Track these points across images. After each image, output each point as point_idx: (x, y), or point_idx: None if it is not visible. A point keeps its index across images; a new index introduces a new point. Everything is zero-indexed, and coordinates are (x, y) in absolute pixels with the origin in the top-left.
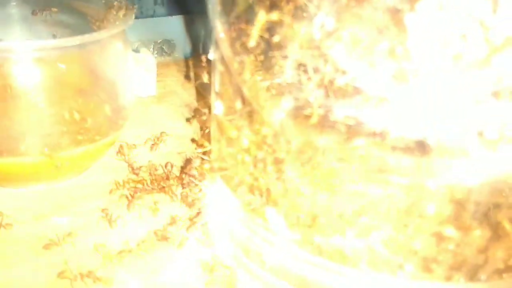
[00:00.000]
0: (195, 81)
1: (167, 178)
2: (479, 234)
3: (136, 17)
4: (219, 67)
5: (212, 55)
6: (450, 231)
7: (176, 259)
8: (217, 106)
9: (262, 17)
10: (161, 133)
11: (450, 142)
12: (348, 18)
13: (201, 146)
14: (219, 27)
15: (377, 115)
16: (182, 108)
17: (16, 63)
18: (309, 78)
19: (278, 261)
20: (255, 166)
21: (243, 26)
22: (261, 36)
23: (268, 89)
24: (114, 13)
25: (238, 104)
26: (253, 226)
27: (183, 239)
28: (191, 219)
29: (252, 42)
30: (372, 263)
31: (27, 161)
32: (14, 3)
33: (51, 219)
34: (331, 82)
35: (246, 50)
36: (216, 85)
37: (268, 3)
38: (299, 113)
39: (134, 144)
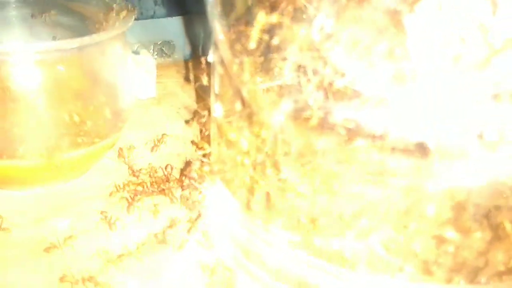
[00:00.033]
0: (195, 82)
1: (167, 181)
2: (479, 236)
3: (136, 18)
4: (218, 69)
5: (211, 57)
6: (450, 233)
7: (176, 261)
8: (217, 108)
9: (261, 18)
10: (163, 134)
11: (449, 143)
12: (347, 20)
13: (201, 148)
14: (218, 29)
15: (377, 117)
16: (182, 110)
17: (15, 65)
18: (308, 80)
19: (278, 262)
20: (254, 168)
21: (242, 28)
22: (261, 38)
23: (267, 91)
24: (114, 15)
25: (238, 106)
26: (253, 228)
27: (183, 241)
28: (191, 221)
29: (252, 44)
30: (371, 265)
31: (26, 164)
32: (14, 5)
33: (51, 221)
34: (331, 84)
35: (246, 52)
36: (215, 87)
37: (267, 4)
38: (299, 115)
39: (132, 145)
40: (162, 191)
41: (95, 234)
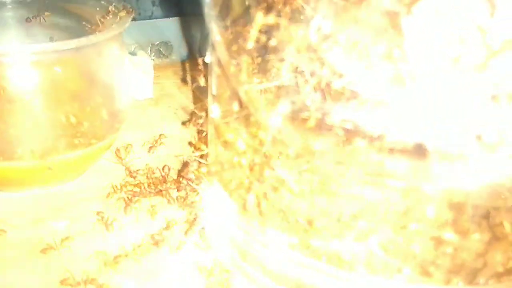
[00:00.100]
0: (192, 83)
1: (164, 181)
2: (478, 238)
3: (133, 19)
4: (215, 70)
5: (208, 58)
6: (448, 234)
7: (173, 262)
8: (214, 109)
9: (260, 18)
10: (160, 135)
11: (448, 145)
12: (344, 21)
13: (198, 149)
14: (215, 30)
15: (375, 118)
16: (179, 111)
17: (11, 66)
18: (306, 81)
19: (275, 264)
20: (251, 169)
21: (239, 29)
22: (258, 39)
23: (265, 92)
24: (111, 16)
25: (235, 107)
26: (250, 229)
27: (180, 243)
28: (188, 223)
29: (250, 44)
30: (370, 266)
31: (23, 165)
32: (10, 6)
33: (48, 223)
34: (328, 85)
35: (243, 53)
36: (213, 88)
37: (264, 6)
38: (296, 116)
39: (130, 144)
40: (159, 192)
41: (92, 235)
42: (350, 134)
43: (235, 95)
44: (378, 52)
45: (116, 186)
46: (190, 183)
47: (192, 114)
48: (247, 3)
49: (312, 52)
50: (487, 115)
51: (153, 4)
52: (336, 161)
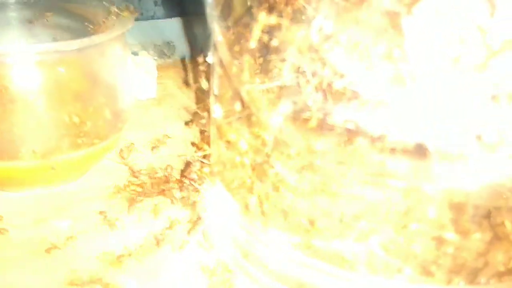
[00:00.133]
0: (195, 83)
1: (167, 181)
2: (479, 237)
3: (136, 19)
4: (217, 70)
5: (211, 58)
6: (449, 234)
7: (176, 262)
8: (216, 109)
9: (262, 18)
10: (163, 135)
11: (448, 145)
12: (346, 22)
13: (201, 149)
14: (217, 31)
15: (376, 118)
16: (181, 111)
17: (15, 66)
18: (307, 81)
19: (278, 264)
20: (254, 169)
21: (241, 29)
22: (260, 39)
23: (266, 92)
24: (114, 17)
25: (237, 107)
26: (253, 229)
27: (183, 243)
28: (191, 222)
29: (253, 44)
30: (371, 266)
31: (26, 165)
32: (13, 7)
33: (51, 222)
34: (330, 85)
35: (245, 53)
36: (215, 88)
37: (266, 6)
38: (298, 116)
39: (133, 143)
40: (162, 192)
41: (95, 235)
42: (351, 134)
43: (237, 95)
44: (379, 53)
45: (119, 186)
46: (192, 183)
47: (195, 114)
48: (249, 3)
49: (313, 52)
50: (487, 115)
51: (155, 4)
52: (337, 161)
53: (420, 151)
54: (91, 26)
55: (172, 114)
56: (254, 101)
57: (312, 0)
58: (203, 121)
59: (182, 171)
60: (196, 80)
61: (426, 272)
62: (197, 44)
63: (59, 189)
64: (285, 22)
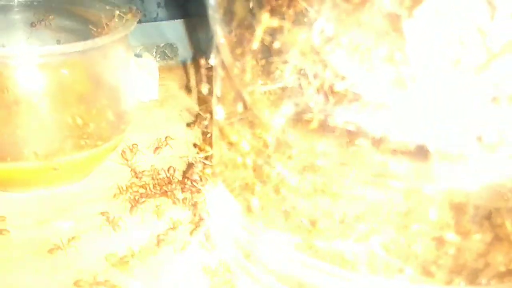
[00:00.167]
0: (197, 85)
1: (170, 183)
2: (479, 238)
3: (139, 21)
4: (220, 72)
5: (213, 60)
6: (450, 235)
7: (178, 263)
8: (218, 111)
9: (265, 19)
10: (166, 137)
11: (449, 146)
12: (347, 24)
13: (203, 150)
14: (219, 33)
15: (377, 119)
16: (184, 112)
17: (19, 68)
18: (309, 83)
19: (279, 264)
20: (256, 170)
21: (243, 31)
22: (263, 41)
23: (268, 94)
24: (116, 20)
25: (239, 109)
26: (254, 230)
27: (185, 243)
28: (193, 223)
29: (255, 45)
30: (372, 266)
31: (30, 166)
32: (18, 9)
33: (54, 223)
34: (331, 87)
35: (247, 55)
36: (217, 90)
37: (268, 8)
38: (300, 118)
39: (136, 144)
40: (165, 193)
41: (98, 236)
42: (352, 135)
43: (239, 97)
44: (380, 55)
45: (122, 187)
46: (194, 184)
47: (197, 115)
48: (251, 5)
49: (315, 54)
50: (487, 116)
51: (158, 6)
52: (338, 162)
53: (421, 152)
54: (95, 28)
55: (174, 115)
56: (256, 102)
57: (314, 2)
58: (205, 122)
59: (184, 172)
60: (198, 82)
61: (427, 272)
62: (200, 46)
63: (62, 190)
64: (287, 24)
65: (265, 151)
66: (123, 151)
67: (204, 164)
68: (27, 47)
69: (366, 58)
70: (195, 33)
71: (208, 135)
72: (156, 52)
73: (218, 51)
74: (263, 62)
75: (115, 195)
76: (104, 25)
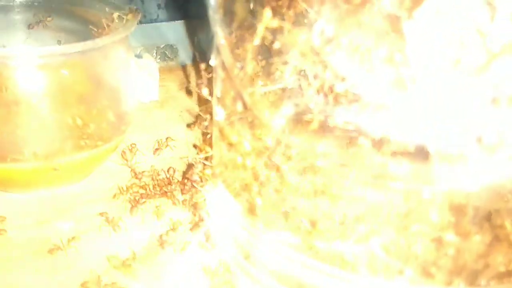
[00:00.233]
0: (197, 86)
1: (170, 183)
2: (479, 239)
3: (139, 22)
4: (220, 73)
5: (213, 61)
6: (450, 236)
7: (178, 263)
8: (219, 111)
9: (267, 15)
10: (167, 138)
11: (449, 147)
12: (347, 25)
13: (203, 151)
14: (220, 34)
15: (377, 121)
16: (184, 113)
17: (19, 69)
18: (309, 84)
19: (279, 265)
20: (256, 171)
21: (243, 32)
22: (263, 40)
23: (268, 95)
24: (116, 20)
25: (239, 110)
26: (254, 231)
27: (185, 244)
28: (193, 224)
29: (256, 41)
30: (372, 267)
31: (30, 167)
32: (18, 10)
33: (54, 224)
34: (331, 88)
35: (247, 56)
36: (217, 91)
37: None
38: (300, 119)
39: (135, 144)
40: (165, 194)
41: (98, 236)
42: (353, 136)
43: (240, 98)
44: (380, 56)
45: (122, 188)
46: (194, 184)
47: (197, 116)
48: (251, 6)
49: (315, 55)
50: (487, 117)
51: (159, 7)
52: (339, 163)
53: (421, 153)
54: (95, 29)
55: (174, 116)
56: (256, 103)
57: (314, 3)
58: (206, 123)
59: (184, 173)
60: (198, 83)
61: (427, 273)
62: (200, 47)
63: (62, 191)
64: (287, 25)
65: (265, 151)
66: (123, 152)
67: (204, 164)
68: (27, 48)
69: (366, 59)
70: (195, 34)
71: (208, 136)
72: (156, 53)
73: (218, 52)
74: (263, 63)
75: (115, 195)
76: (105, 26)
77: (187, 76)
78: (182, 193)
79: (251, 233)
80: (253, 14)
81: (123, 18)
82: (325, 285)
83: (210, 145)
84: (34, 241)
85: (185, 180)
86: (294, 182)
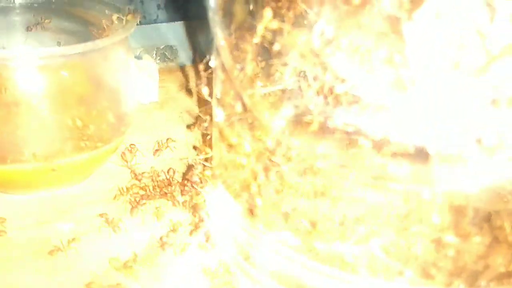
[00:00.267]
0: (197, 87)
1: (170, 184)
2: (479, 240)
3: (139, 23)
4: (220, 75)
5: (213, 62)
6: (450, 237)
7: (178, 264)
8: (218, 113)
9: (267, 14)
10: (167, 139)
11: (449, 148)
12: (347, 26)
13: (203, 152)
14: (219, 35)
15: (377, 122)
16: (184, 114)
17: (19, 70)
18: (309, 85)
19: (279, 266)
20: (255, 172)
21: (243, 33)
22: (263, 41)
23: (268, 96)
24: (116, 22)
25: (239, 111)
26: (254, 232)
27: (185, 245)
28: (193, 225)
29: (256, 39)
30: (372, 269)
31: (30, 168)
32: (18, 11)
33: (54, 225)
34: (331, 89)
35: (247, 57)
36: (217, 92)
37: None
38: (300, 120)
39: (135, 145)
40: (164, 195)
41: (98, 238)
42: (353, 137)
43: (239, 99)
44: (380, 57)
45: (122, 189)
46: (194, 186)
47: (197, 117)
48: (251, 7)
49: (315, 56)
50: (487, 118)
51: (158, 8)
52: (339, 164)
53: (420, 154)
54: (95, 30)
55: (174, 117)
56: (256, 104)
57: (313, 5)
58: (205, 124)
59: (184, 174)
60: (198, 84)
61: (427, 274)
62: (200, 48)
63: (62, 192)
64: (287, 26)
65: (265, 152)
66: (123, 153)
67: (204, 166)
68: (27, 49)
69: (366, 60)
70: (195, 35)
71: (208, 137)
72: (156, 54)
73: (218, 53)
74: (263, 64)
75: (115, 196)
76: (104, 27)
77: (187, 77)
78: (182, 194)
79: (251, 234)
80: (253, 16)
81: (123, 19)
82: (325, 286)
83: (210, 146)
84: (34, 242)
85: (185, 181)
86: (294, 183)
